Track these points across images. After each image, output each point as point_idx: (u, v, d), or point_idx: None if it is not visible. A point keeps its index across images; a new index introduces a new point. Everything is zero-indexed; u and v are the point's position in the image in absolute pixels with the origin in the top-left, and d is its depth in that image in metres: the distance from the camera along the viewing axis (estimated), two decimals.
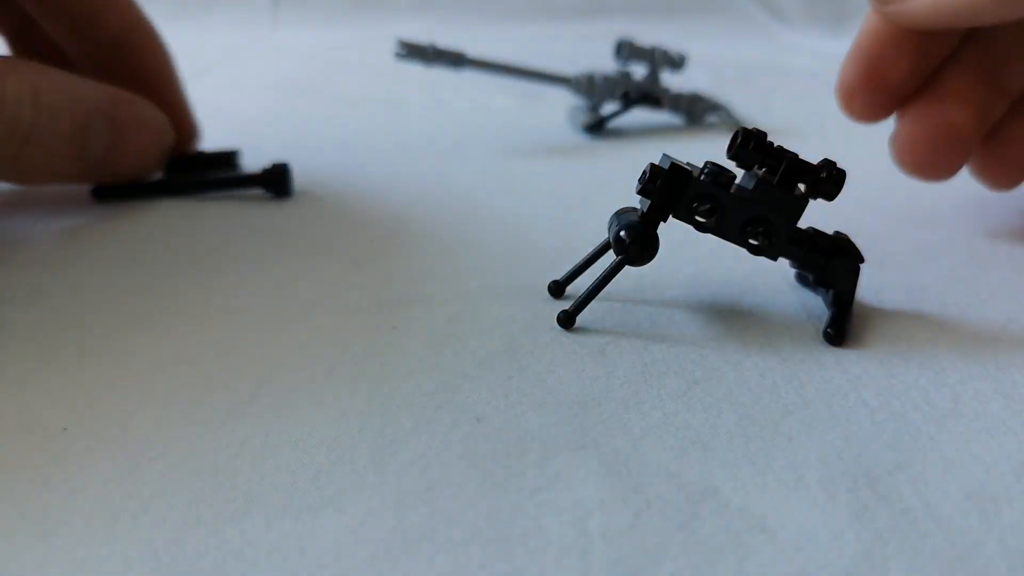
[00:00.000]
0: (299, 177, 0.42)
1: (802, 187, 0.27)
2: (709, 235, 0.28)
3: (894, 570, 0.18)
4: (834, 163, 0.27)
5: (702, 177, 0.27)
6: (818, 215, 0.28)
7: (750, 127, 0.27)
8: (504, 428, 0.22)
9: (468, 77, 0.54)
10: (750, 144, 0.26)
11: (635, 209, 0.28)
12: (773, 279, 0.31)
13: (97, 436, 0.22)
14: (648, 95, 0.57)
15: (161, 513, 0.19)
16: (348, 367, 0.25)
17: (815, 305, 0.29)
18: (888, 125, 0.35)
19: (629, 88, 0.56)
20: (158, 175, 0.41)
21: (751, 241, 0.28)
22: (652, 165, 0.27)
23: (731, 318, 0.29)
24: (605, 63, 0.58)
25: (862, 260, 0.28)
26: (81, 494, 0.19)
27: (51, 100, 0.31)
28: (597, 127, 0.55)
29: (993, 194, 0.40)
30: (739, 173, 0.28)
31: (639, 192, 0.27)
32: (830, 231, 0.29)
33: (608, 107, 0.56)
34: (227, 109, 0.60)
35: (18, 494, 0.19)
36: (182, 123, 0.41)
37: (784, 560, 0.18)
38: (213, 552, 0.18)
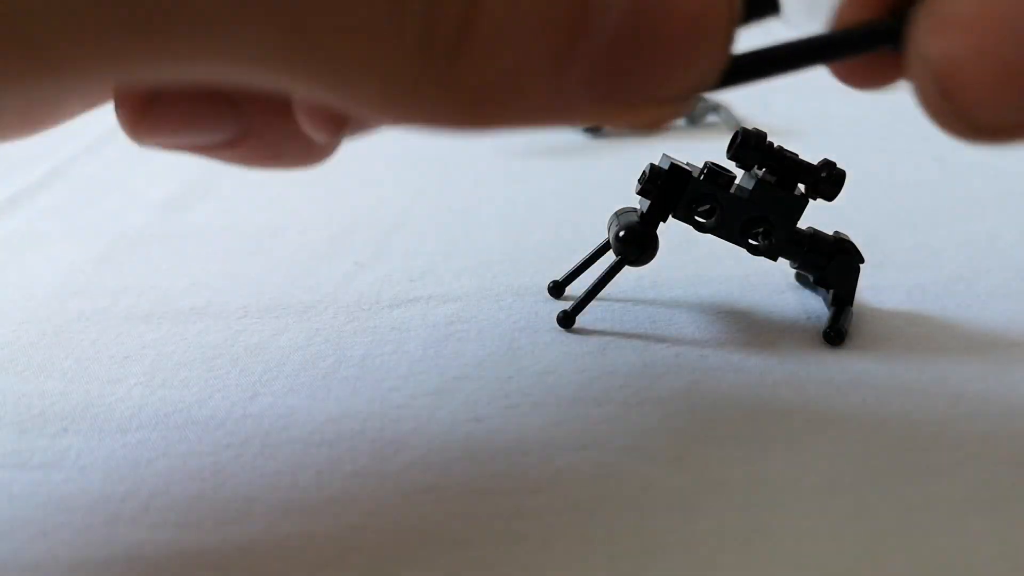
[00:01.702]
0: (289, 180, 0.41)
1: (802, 187, 0.27)
2: (709, 235, 0.28)
3: (894, 571, 0.17)
4: (834, 163, 0.27)
5: (702, 177, 0.27)
6: (818, 215, 0.28)
7: (750, 127, 0.27)
8: (504, 429, 0.22)
9: None
10: (750, 144, 0.26)
11: (635, 209, 0.28)
12: (773, 279, 0.31)
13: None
14: None
15: (161, 513, 0.19)
16: (349, 367, 0.25)
17: (815, 305, 0.29)
18: (891, 117, 0.35)
19: None
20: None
21: (751, 241, 0.28)
22: (652, 165, 0.27)
23: (731, 318, 0.29)
24: None
25: (862, 260, 0.28)
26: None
27: None
28: (597, 127, 0.55)
29: (992, 193, 0.40)
30: (739, 173, 0.28)
31: (639, 192, 0.27)
32: (830, 231, 0.29)
33: None
34: None
35: None
36: None
37: (784, 560, 0.18)
38: (214, 552, 0.18)
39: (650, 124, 0.18)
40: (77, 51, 0.13)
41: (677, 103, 0.17)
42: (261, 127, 0.19)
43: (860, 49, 0.19)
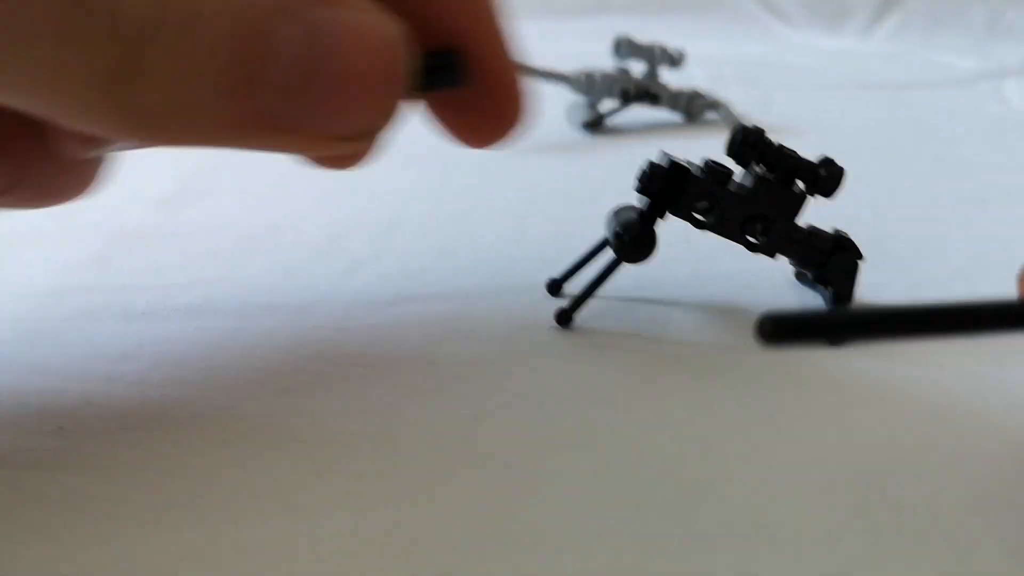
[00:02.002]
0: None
1: (801, 185, 0.27)
2: (708, 233, 0.28)
3: (893, 571, 0.17)
4: (832, 160, 0.27)
5: (701, 174, 0.27)
6: (817, 213, 0.28)
7: (749, 125, 0.27)
8: (501, 427, 0.22)
9: None
10: (749, 142, 0.26)
11: (633, 207, 0.28)
12: (772, 277, 0.31)
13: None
14: (647, 92, 0.56)
15: (156, 514, 0.19)
16: (346, 366, 0.25)
17: (814, 303, 0.29)
18: (890, 115, 0.35)
19: (628, 85, 0.56)
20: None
21: (750, 239, 0.28)
22: (651, 162, 0.27)
23: (729, 316, 0.28)
24: (604, 60, 0.57)
25: (861, 257, 0.28)
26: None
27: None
28: (595, 124, 0.55)
29: (991, 191, 0.40)
30: (738, 171, 0.28)
31: (637, 190, 0.27)
32: (829, 229, 0.29)
33: (607, 104, 0.56)
34: None
35: None
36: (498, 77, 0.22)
37: (783, 558, 0.18)
38: (213, 549, 0.18)
39: (334, 157, 0.22)
40: None
41: (355, 142, 0.19)
42: (28, 172, 0.22)
43: None
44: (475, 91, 0.21)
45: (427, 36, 0.20)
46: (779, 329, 0.15)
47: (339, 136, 0.19)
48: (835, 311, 0.16)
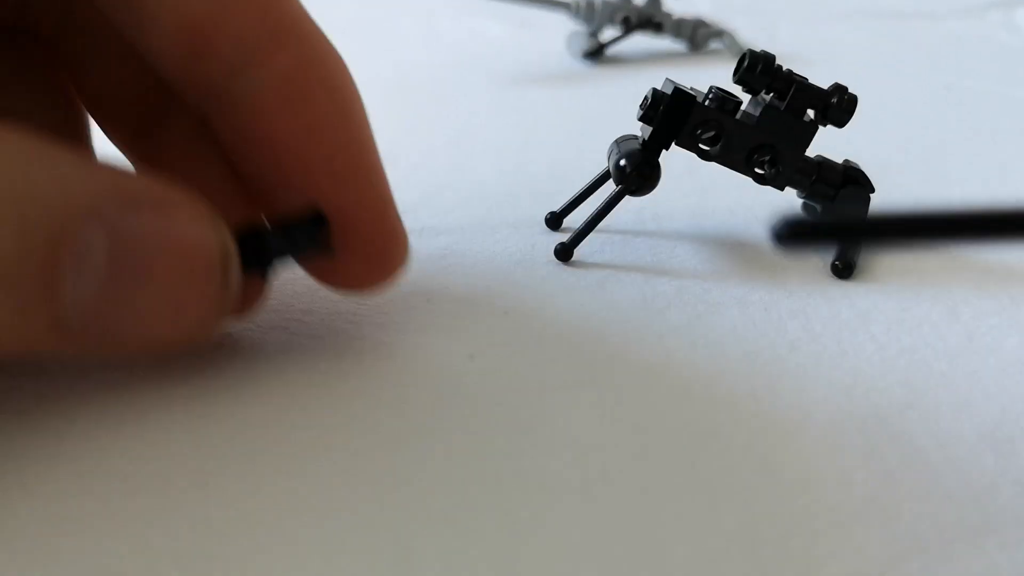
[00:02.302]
0: None
1: (811, 114, 0.26)
2: (713, 164, 0.27)
3: (905, 512, 0.17)
4: (845, 88, 0.26)
5: (706, 102, 0.26)
6: (827, 143, 0.27)
7: (758, 50, 0.26)
8: (499, 366, 0.21)
9: (463, 2, 0.52)
10: (757, 68, 0.25)
11: (635, 137, 0.27)
12: (779, 210, 0.30)
13: None
14: (649, 20, 0.55)
15: (158, 512, 0.18)
16: (339, 301, 0.24)
17: None
18: (900, 44, 0.34)
19: (630, 13, 0.54)
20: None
21: (757, 170, 0.27)
22: (654, 90, 0.26)
23: (735, 250, 0.28)
24: None
25: (872, 191, 0.27)
26: None
27: None
28: (596, 54, 0.54)
29: (1004, 122, 0.39)
30: (745, 99, 0.27)
31: (640, 118, 0.26)
32: (839, 160, 0.28)
33: (608, 33, 0.54)
34: None
35: None
36: (379, 242, 0.21)
37: (790, 502, 0.17)
38: (200, 514, 0.17)
39: (148, 352, 0.20)
40: None
41: (176, 345, 0.18)
42: None
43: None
44: (345, 247, 0.20)
45: (290, 192, 0.19)
46: (794, 231, 0.15)
47: (150, 345, 0.17)
48: (850, 217, 0.15)
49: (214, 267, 0.17)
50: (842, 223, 0.15)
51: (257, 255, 0.19)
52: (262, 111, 0.19)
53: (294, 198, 0.19)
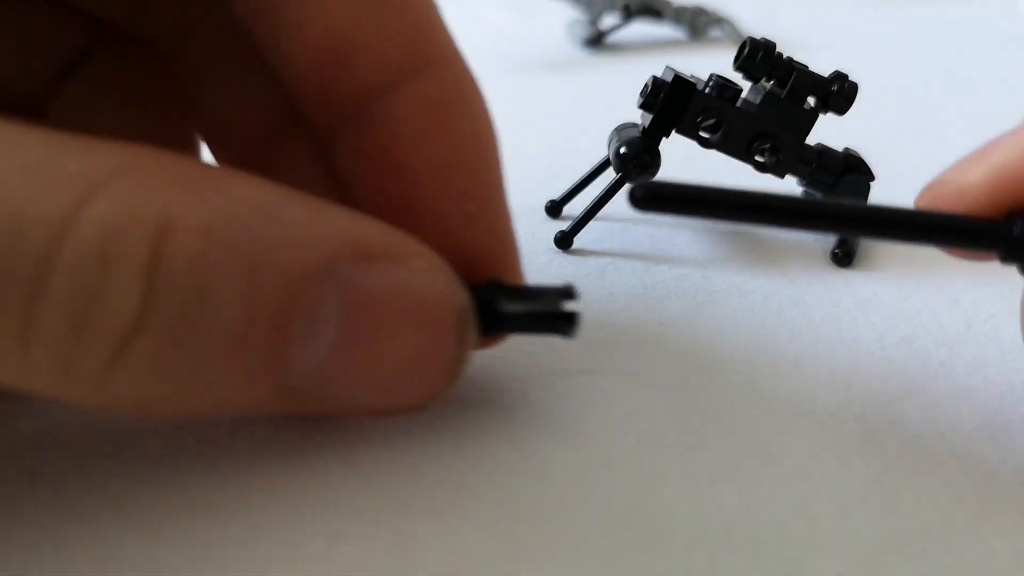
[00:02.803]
0: None
1: (812, 101, 0.26)
2: (713, 151, 0.27)
3: (904, 500, 0.17)
4: (846, 76, 0.26)
5: (707, 90, 0.26)
6: (828, 131, 0.27)
7: (758, 38, 0.26)
8: (498, 353, 0.21)
9: None
10: (758, 55, 0.25)
11: (636, 124, 0.27)
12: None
13: None
14: (649, 7, 0.55)
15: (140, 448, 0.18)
16: None
17: None
18: (901, 31, 0.34)
19: (630, 1, 0.54)
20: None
21: (757, 158, 0.27)
22: (654, 77, 0.26)
23: (735, 239, 0.28)
24: None
25: (873, 178, 0.27)
26: None
27: (220, 252, 0.13)
28: (596, 41, 0.53)
29: (1005, 109, 0.39)
30: (746, 87, 0.27)
31: (641, 106, 0.26)
32: (840, 148, 0.28)
33: (608, 20, 0.54)
34: None
35: None
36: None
37: (790, 488, 0.17)
38: (197, 484, 0.17)
39: (377, 416, 0.18)
40: None
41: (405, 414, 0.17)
42: None
43: (962, 243, 0.17)
44: None
45: (410, 227, 0.17)
46: (649, 196, 0.15)
47: (379, 409, 0.16)
48: (707, 187, 0.16)
49: (451, 325, 0.16)
50: (699, 192, 0.15)
51: (487, 316, 0.17)
52: (400, 137, 0.17)
53: (414, 234, 0.17)
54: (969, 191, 0.17)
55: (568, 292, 0.18)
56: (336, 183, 0.19)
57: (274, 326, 0.14)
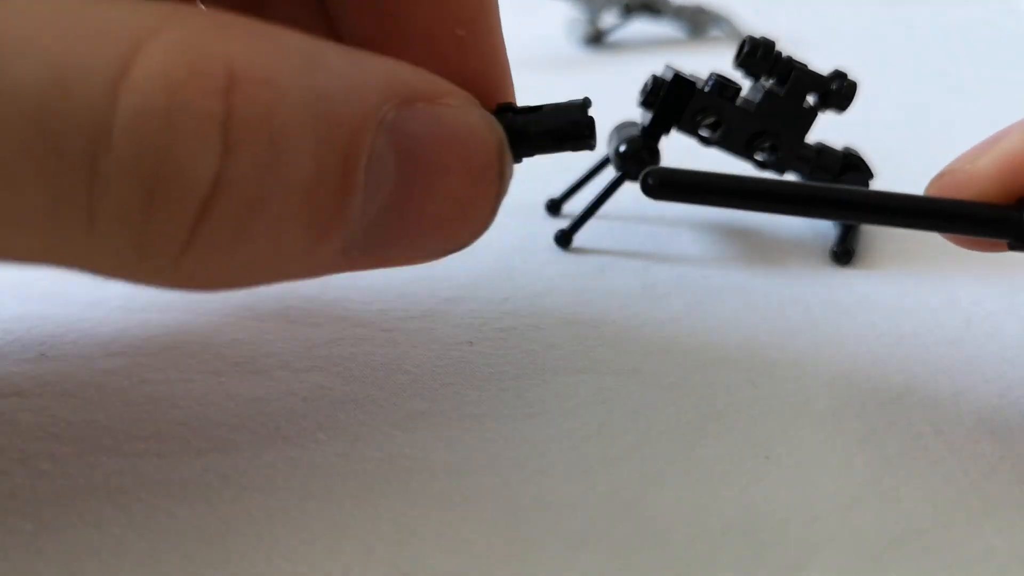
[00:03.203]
0: None
1: (811, 99, 0.26)
2: (713, 150, 0.27)
3: (904, 498, 0.17)
4: (845, 74, 0.26)
5: (706, 88, 0.26)
6: (827, 129, 0.27)
7: (758, 36, 0.26)
8: (498, 351, 0.21)
9: None
10: (757, 53, 0.25)
11: (635, 123, 0.27)
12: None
13: None
14: (649, 6, 0.55)
15: (143, 441, 0.18)
16: (337, 287, 0.24)
17: (822, 224, 0.28)
18: (901, 29, 0.34)
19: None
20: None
21: (757, 156, 0.27)
22: (654, 76, 0.26)
23: (735, 237, 0.28)
24: None
25: (872, 176, 0.27)
26: None
27: (287, 104, 0.13)
28: (596, 40, 0.53)
29: (1004, 107, 0.39)
30: (745, 85, 0.27)
31: (640, 104, 0.26)
32: (839, 146, 0.28)
33: (607, 19, 0.54)
34: None
35: None
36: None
37: (790, 487, 0.17)
38: (196, 481, 0.17)
39: (429, 260, 0.17)
40: None
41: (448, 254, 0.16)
42: None
43: (972, 230, 0.17)
44: None
45: (403, 57, 0.16)
46: (662, 183, 0.15)
47: (433, 253, 0.16)
48: (719, 174, 0.16)
49: (493, 159, 0.15)
50: (711, 180, 0.16)
51: (516, 141, 0.17)
52: None
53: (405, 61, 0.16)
54: (978, 178, 0.17)
55: (582, 105, 0.17)
56: (324, 11, 0.18)
57: (341, 179, 0.13)
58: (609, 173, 0.27)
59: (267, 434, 0.18)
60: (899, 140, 0.36)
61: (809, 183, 0.17)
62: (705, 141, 0.26)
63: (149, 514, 0.16)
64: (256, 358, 0.21)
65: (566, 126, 0.17)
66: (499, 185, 0.16)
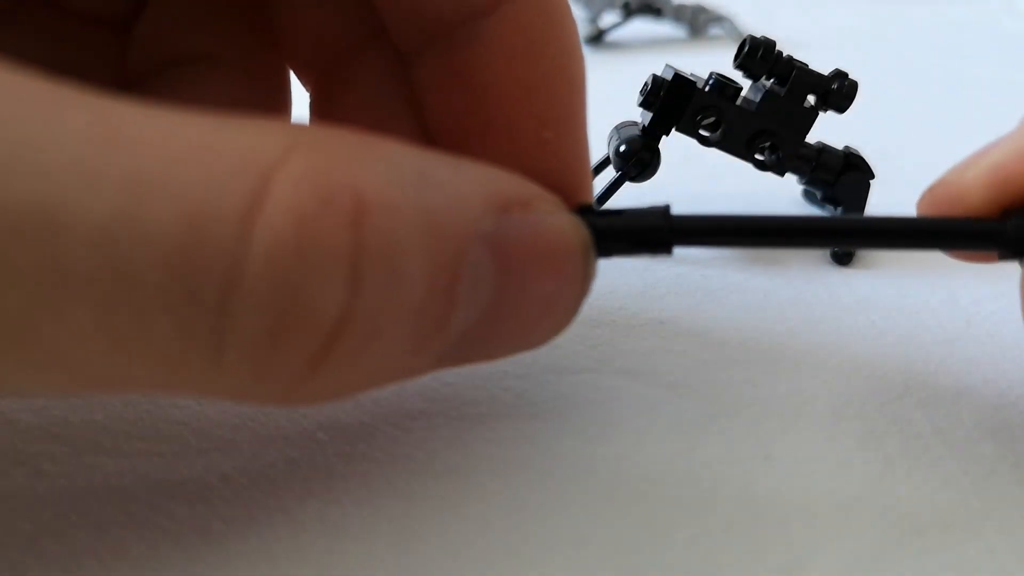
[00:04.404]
0: None
1: (812, 99, 0.26)
2: (713, 150, 0.27)
3: (903, 498, 0.17)
4: (846, 74, 0.26)
5: (707, 88, 0.26)
6: (828, 129, 0.27)
7: (758, 36, 0.26)
8: None
9: None
10: (758, 53, 0.25)
11: (635, 123, 0.27)
12: (779, 196, 0.30)
13: None
14: (649, 5, 0.55)
15: (144, 442, 0.18)
16: None
17: None
18: (901, 30, 0.34)
19: None
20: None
21: (757, 156, 0.27)
22: (654, 76, 0.26)
23: None
24: None
25: (872, 176, 0.27)
26: None
27: (405, 228, 0.13)
28: (596, 39, 0.53)
29: (1006, 108, 0.39)
30: (746, 85, 0.27)
31: (640, 104, 0.26)
32: (840, 146, 0.28)
33: (607, 18, 0.54)
34: None
35: None
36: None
37: (789, 487, 0.17)
38: (196, 481, 0.17)
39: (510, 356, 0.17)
40: None
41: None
42: None
43: (960, 245, 0.18)
44: None
45: (484, 152, 0.16)
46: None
47: (516, 352, 0.16)
48: (707, 216, 0.17)
49: (579, 261, 0.15)
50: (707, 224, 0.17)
51: (597, 243, 0.17)
52: (489, 57, 0.17)
53: (487, 158, 0.16)
54: (967, 192, 0.17)
55: (664, 212, 0.17)
56: (412, 99, 0.18)
57: (447, 293, 0.13)
58: (609, 173, 0.27)
59: (267, 434, 0.18)
60: (900, 140, 0.36)
61: (795, 216, 0.17)
62: (705, 141, 0.26)
63: (149, 514, 0.16)
64: None
65: (646, 232, 0.17)
66: (584, 286, 0.16)
